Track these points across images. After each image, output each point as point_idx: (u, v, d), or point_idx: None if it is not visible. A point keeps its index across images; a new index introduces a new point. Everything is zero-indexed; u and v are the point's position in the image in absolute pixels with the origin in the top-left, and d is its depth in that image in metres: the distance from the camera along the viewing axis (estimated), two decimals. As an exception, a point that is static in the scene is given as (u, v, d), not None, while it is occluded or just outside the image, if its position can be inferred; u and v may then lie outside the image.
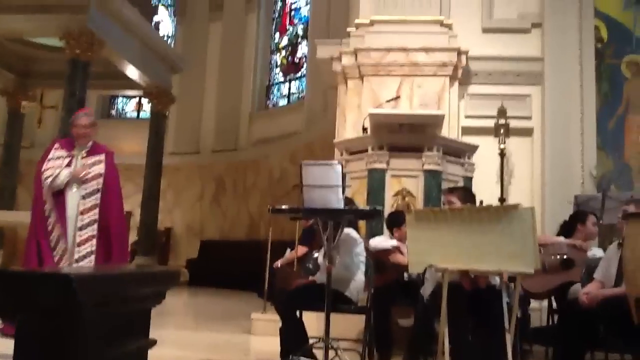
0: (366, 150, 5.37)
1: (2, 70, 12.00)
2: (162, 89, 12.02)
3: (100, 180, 4.74)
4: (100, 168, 4.78)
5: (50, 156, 4.79)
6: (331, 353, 3.47)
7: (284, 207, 3.61)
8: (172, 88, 12.57)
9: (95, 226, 4.64)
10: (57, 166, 4.69)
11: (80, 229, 4.62)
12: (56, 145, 4.91)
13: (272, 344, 4.32)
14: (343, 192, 3.49)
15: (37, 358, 0.88)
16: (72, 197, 4.65)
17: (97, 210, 4.67)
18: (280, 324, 3.91)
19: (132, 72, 11.00)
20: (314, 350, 3.71)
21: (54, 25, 9.47)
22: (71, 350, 0.89)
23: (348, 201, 4.08)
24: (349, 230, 3.94)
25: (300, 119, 12.53)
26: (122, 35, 10.27)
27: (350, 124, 6.54)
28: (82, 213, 4.64)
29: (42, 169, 4.70)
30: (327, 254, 3.57)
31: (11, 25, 9.73)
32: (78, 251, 4.60)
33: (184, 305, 9.12)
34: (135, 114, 16.14)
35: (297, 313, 3.89)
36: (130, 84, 11.83)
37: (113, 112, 16.25)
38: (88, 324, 0.93)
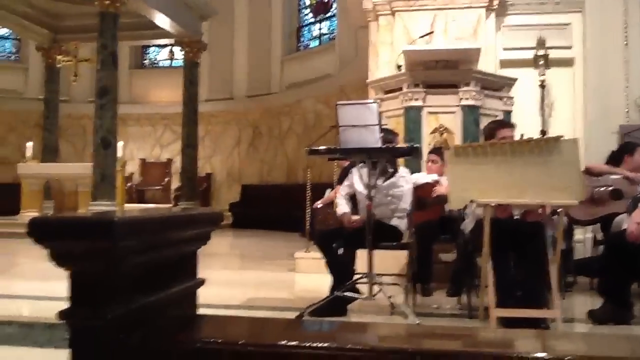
0: (401, 89, 5.32)
1: (36, 27, 12.12)
2: (193, 37, 11.98)
3: None
4: None
5: None
6: (375, 288, 3.56)
7: (321, 148, 3.62)
8: (203, 35, 12.51)
9: None
10: None
11: None
12: None
13: (316, 280, 4.45)
14: (380, 131, 3.48)
15: (86, 302, 0.93)
16: None
17: None
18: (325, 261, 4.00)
19: (162, 21, 10.96)
20: (359, 286, 3.81)
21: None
22: (119, 294, 0.94)
23: (390, 133, 4.08)
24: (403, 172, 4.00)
25: (333, 60, 12.37)
26: (149, -16, 10.20)
27: (384, 63, 6.44)
28: None
29: None
30: (368, 192, 3.60)
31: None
32: None
33: (229, 246, 9.38)
34: (168, 63, 16.17)
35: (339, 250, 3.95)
36: (161, 33, 11.82)
37: (146, 62, 16.28)
38: (134, 267, 0.98)
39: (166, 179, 14.26)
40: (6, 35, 15.35)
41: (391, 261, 4.50)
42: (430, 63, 5.31)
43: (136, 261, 0.96)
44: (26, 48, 14.94)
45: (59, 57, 11.86)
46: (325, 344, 1.01)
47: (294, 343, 1.02)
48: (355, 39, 10.78)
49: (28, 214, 9.95)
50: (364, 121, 3.41)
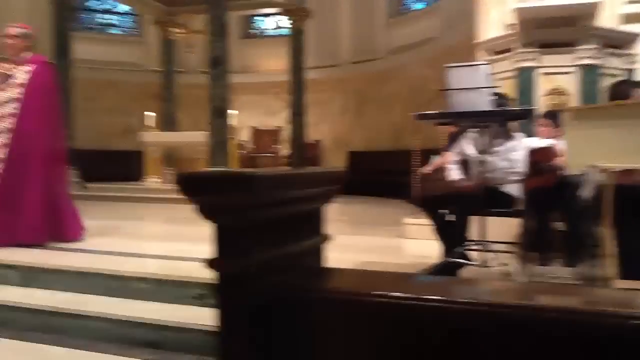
0: (512, 49, 5.13)
1: (152, 2, 12.78)
2: (298, 4, 12.12)
3: (20, 89, 4.58)
4: (24, 78, 4.62)
5: None
6: (488, 256, 3.53)
7: (429, 112, 3.60)
8: (307, 2, 12.61)
9: (8, 135, 4.50)
10: None
11: None
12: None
13: (425, 246, 4.47)
14: (492, 94, 3.41)
15: (230, 252, 1.02)
16: None
17: (12, 120, 4.52)
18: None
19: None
20: (471, 253, 3.80)
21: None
22: (258, 245, 1.03)
23: (503, 98, 3.98)
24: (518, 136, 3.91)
25: (438, 22, 12.05)
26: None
27: (493, 23, 6.21)
28: None
29: None
30: (480, 157, 3.56)
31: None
32: None
33: (339, 212, 9.56)
34: (273, 32, 16.48)
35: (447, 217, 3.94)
36: (268, 2, 12.06)
37: (253, 32, 16.68)
38: (272, 219, 1.06)
39: (276, 146, 14.68)
40: (125, 11, 16.32)
41: (505, 229, 4.43)
42: (544, 20, 5.07)
43: (273, 214, 1.05)
44: (144, 23, 15.81)
45: (173, 29, 12.46)
46: (439, 297, 1.06)
47: (417, 295, 1.08)
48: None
49: (151, 180, 10.70)
50: (474, 84, 3.34)
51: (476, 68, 3.48)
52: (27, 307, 3.53)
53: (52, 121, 4.69)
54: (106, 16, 16.35)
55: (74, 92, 11.23)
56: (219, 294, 1.05)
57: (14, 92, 4.56)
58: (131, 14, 16.40)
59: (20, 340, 3.31)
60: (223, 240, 1.04)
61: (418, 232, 5.41)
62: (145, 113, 11.75)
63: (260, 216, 1.02)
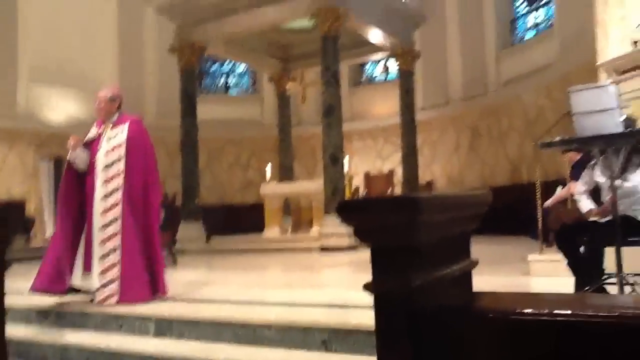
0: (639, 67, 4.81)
1: (269, 59, 13.51)
2: (407, 47, 12.24)
3: (122, 149, 4.77)
4: (122, 137, 4.80)
5: (87, 136, 4.92)
6: (627, 289, 3.25)
7: (556, 139, 3.43)
8: (415, 44, 12.70)
9: (119, 193, 4.67)
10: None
11: (105, 197, 4.69)
12: (94, 124, 5.02)
13: (556, 283, 4.19)
14: (620, 114, 3.19)
15: (389, 272, 1.03)
16: (98, 171, 4.77)
17: (122, 176, 4.69)
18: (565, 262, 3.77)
19: (376, 35, 11.42)
20: (608, 286, 3.51)
21: (302, 8, 10.32)
22: (418, 265, 1.03)
23: (629, 120, 3.72)
24: None
25: (552, 49, 11.60)
26: (363, 2, 10.71)
27: (615, 41, 5.86)
28: (105, 182, 4.71)
29: None
30: (611, 184, 3.32)
31: (268, 16, 10.85)
32: (102, 227, 4.66)
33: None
34: (383, 77, 16.71)
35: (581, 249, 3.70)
36: (377, 48, 12.30)
37: (363, 79, 17.02)
38: (429, 241, 1.06)
39: (389, 190, 14.67)
40: (243, 71, 17.35)
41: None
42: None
43: (430, 236, 1.06)
44: (260, 81, 16.70)
45: (288, 85, 13.04)
46: (605, 313, 1.01)
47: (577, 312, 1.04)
48: (577, 19, 9.99)
49: (271, 231, 11.03)
50: (601, 106, 3.15)
51: (604, 89, 3.28)
52: (162, 356, 3.71)
53: (154, 175, 4.92)
54: (226, 79, 17.47)
55: (200, 151, 12.01)
56: (376, 314, 1.07)
57: (116, 153, 4.78)
58: (248, 74, 17.38)
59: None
60: (381, 262, 1.06)
61: (545, 269, 5.10)
62: (267, 167, 12.23)
63: (419, 238, 1.03)
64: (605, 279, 3.47)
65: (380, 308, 1.05)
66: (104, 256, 4.63)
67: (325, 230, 9.50)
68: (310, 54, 12.41)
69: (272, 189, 11.38)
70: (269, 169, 12.13)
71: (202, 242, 11.28)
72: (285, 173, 13.06)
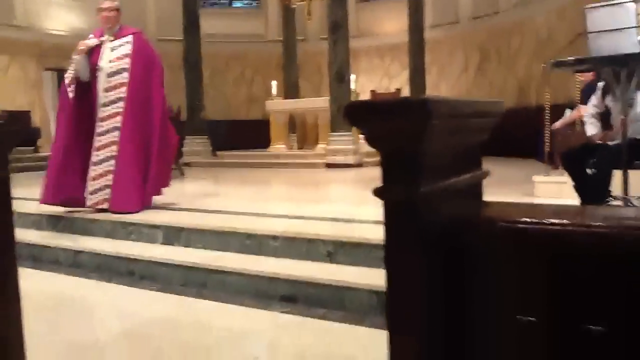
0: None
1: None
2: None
3: (127, 60, 4.78)
4: (126, 49, 4.81)
5: (80, 45, 4.85)
6: (630, 210, 3.30)
7: (567, 59, 3.37)
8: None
9: (121, 103, 4.72)
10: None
11: (104, 105, 4.74)
12: (90, 35, 4.97)
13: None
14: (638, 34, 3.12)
15: (399, 179, 1.03)
16: (100, 79, 4.79)
17: (123, 89, 4.73)
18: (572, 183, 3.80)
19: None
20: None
21: None
22: (427, 172, 1.03)
23: None
24: None
25: (569, -34, 11.16)
26: None
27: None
28: (106, 90, 4.75)
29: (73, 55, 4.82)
30: (622, 106, 3.30)
31: None
32: (99, 135, 4.72)
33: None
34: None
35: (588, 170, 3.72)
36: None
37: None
38: (440, 147, 1.05)
39: (395, 109, 14.55)
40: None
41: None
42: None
43: (441, 142, 1.04)
44: (264, -6, 16.21)
45: (292, -2, 12.65)
46: (602, 224, 1.02)
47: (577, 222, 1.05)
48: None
49: (277, 147, 11.07)
50: (619, 24, 3.07)
51: (622, 7, 3.18)
52: (170, 262, 3.83)
53: (160, 88, 4.92)
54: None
55: (203, 66, 11.83)
56: (385, 221, 1.07)
57: (122, 63, 4.79)
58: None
59: (166, 292, 3.61)
60: (390, 167, 1.05)
61: (549, 191, 5.15)
62: (272, 83, 12.10)
63: (432, 142, 1.01)
64: (610, 200, 3.51)
65: (389, 215, 1.06)
66: (97, 162, 4.73)
67: (331, 147, 9.53)
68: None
69: (278, 105, 11.32)
70: (274, 85, 12.00)
71: (208, 156, 11.35)
72: (290, 90, 12.91)
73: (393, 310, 1.07)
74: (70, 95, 4.77)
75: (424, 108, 0.96)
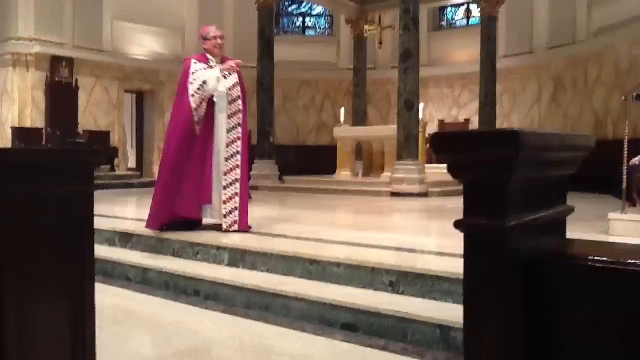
0: None
1: (346, 1, 13.25)
2: (491, -9, 11.69)
3: (238, 88, 4.97)
4: (234, 77, 4.97)
5: (192, 70, 4.87)
6: None
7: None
8: (501, -12, 12.10)
9: (240, 129, 4.92)
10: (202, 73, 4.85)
11: (229, 130, 4.88)
12: (193, 61, 4.96)
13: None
14: None
15: (482, 211, 1.01)
16: (221, 105, 4.88)
17: (240, 115, 4.94)
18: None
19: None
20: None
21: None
22: (513, 205, 1.00)
23: None
24: None
25: (653, -4, 10.76)
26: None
27: None
28: (229, 116, 4.89)
29: (190, 81, 4.83)
30: None
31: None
32: (226, 159, 4.85)
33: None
34: (464, 22, 16.09)
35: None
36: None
37: (443, 23, 16.46)
38: (528, 180, 1.02)
39: (464, 139, 14.33)
40: (320, 12, 17.15)
41: None
42: None
43: (530, 175, 1.01)
44: (337, 23, 16.48)
45: (365, 27, 12.80)
46: None
47: None
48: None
49: (343, 174, 11.12)
50: None
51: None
52: (235, 285, 3.89)
53: (246, 116, 5.10)
54: (303, 19, 17.34)
55: (275, 92, 12.10)
56: (466, 255, 1.05)
57: (236, 90, 5.00)
58: (325, 15, 17.17)
59: (229, 314, 3.66)
60: (474, 199, 1.02)
61: (626, 229, 4.92)
62: (341, 110, 12.22)
63: (520, 174, 0.99)
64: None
65: (471, 248, 1.03)
66: (226, 186, 4.90)
67: (397, 175, 9.48)
68: (389, -4, 12.10)
69: (346, 132, 11.40)
70: (343, 112, 12.11)
71: (276, 180, 11.53)
72: (359, 117, 13.00)
73: (470, 346, 1.05)
74: (201, 114, 4.86)
75: (515, 140, 0.94)
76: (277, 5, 13.20)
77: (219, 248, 4.44)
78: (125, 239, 5.06)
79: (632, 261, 1.01)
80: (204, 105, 4.85)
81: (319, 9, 17.02)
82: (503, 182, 0.97)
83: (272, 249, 4.19)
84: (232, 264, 4.32)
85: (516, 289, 1.03)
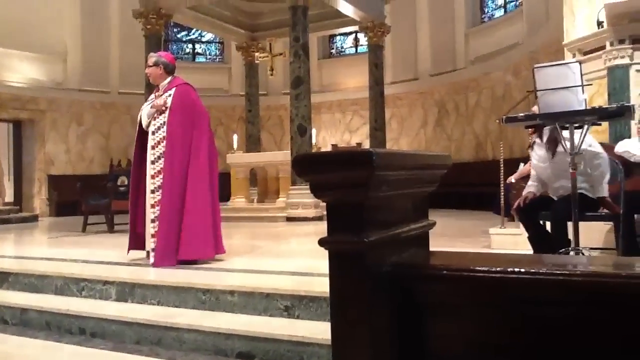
0: (603, 47, 4.90)
1: (236, 28, 13.27)
2: (377, 21, 12.18)
3: (165, 113, 4.70)
4: (166, 102, 4.73)
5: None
6: (582, 261, 3.36)
7: (519, 115, 3.49)
8: (386, 18, 12.64)
9: (162, 161, 4.64)
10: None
11: (152, 162, 4.69)
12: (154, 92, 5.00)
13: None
14: (582, 92, 3.26)
15: (344, 228, 1.03)
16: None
17: (163, 143, 4.65)
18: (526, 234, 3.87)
19: (346, 8, 11.31)
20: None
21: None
22: (373, 222, 1.03)
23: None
24: (590, 141, 3.62)
25: (520, 28, 11.73)
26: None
27: (581, 22, 5.95)
28: (152, 147, 4.71)
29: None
30: (570, 160, 3.39)
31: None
32: (152, 192, 4.68)
33: (421, 227, 9.41)
34: (353, 50, 16.63)
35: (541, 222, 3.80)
36: (346, 21, 12.20)
37: (333, 51, 16.91)
38: (386, 198, 1.06)
39: (357, 163, 14.70)
40: (211, 39, 17.04)
41: (595, 234, 4.21)
42: (636, 14, 4.81)
43: (388, 193, 1.04)
44: (228, 49, 16.43)
45: (256, 54, 12.87)
46: (558, 270, 1.03)
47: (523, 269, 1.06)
48: (544, 1, 10.12)
49: (237, 200, 10.99)
50: (565, 83, 3.21)
51: (568, 67, 3.33)
52: (123, 320, 3.70)
53: (198, 137, 4.80)
54: (193, 46, 17.14)
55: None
56: (330, 271, 1.05)
57: (161, 120, 4.74)
58: (216, 42, 17.09)
59: (119, 352, 3.46)
60: (335, 217, 1.05)
61: (505, 243, 5.23)
62: (234, 137, 12.13)
63: (377, 193, 1.02)
64: (562, 252, 3.56)
65: (335, 264, 1.05)
66: (153, 220, 4.64)
67: (292, 200, 9.52)
68: (279, 24, 12.26)
69: (240, 158, 11.30)
70: (236, 138, 12.04)
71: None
72: (252, 143, 12.97)
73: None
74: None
75: (369, 160, 0.97)
76: (165, 32, 12.96)
77: (105, 282, 4.21)
78: (1, 278, 4.67)
79: (480, 267, 1.07)
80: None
81: (209, 36, 16.89)
82: (361, 200, 1.01)
83: (163, 281, 4.03)
84: (121, 298, 4.10)
85: (383, 302, 1.05)
